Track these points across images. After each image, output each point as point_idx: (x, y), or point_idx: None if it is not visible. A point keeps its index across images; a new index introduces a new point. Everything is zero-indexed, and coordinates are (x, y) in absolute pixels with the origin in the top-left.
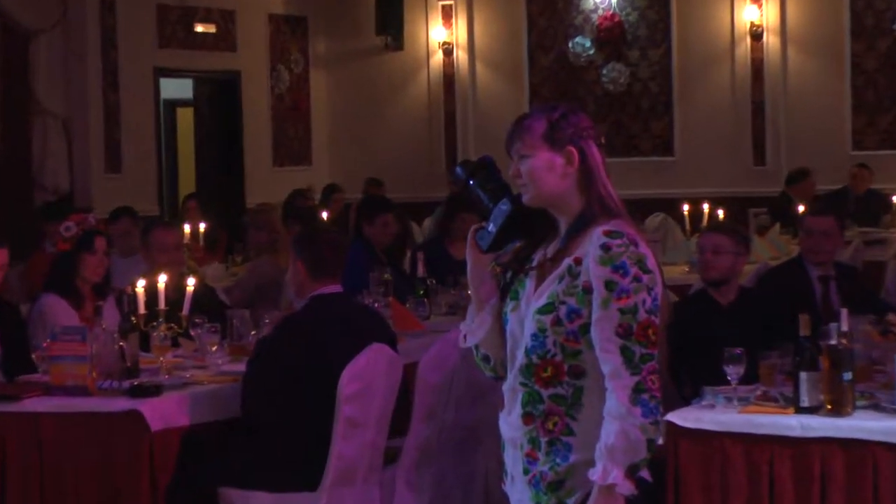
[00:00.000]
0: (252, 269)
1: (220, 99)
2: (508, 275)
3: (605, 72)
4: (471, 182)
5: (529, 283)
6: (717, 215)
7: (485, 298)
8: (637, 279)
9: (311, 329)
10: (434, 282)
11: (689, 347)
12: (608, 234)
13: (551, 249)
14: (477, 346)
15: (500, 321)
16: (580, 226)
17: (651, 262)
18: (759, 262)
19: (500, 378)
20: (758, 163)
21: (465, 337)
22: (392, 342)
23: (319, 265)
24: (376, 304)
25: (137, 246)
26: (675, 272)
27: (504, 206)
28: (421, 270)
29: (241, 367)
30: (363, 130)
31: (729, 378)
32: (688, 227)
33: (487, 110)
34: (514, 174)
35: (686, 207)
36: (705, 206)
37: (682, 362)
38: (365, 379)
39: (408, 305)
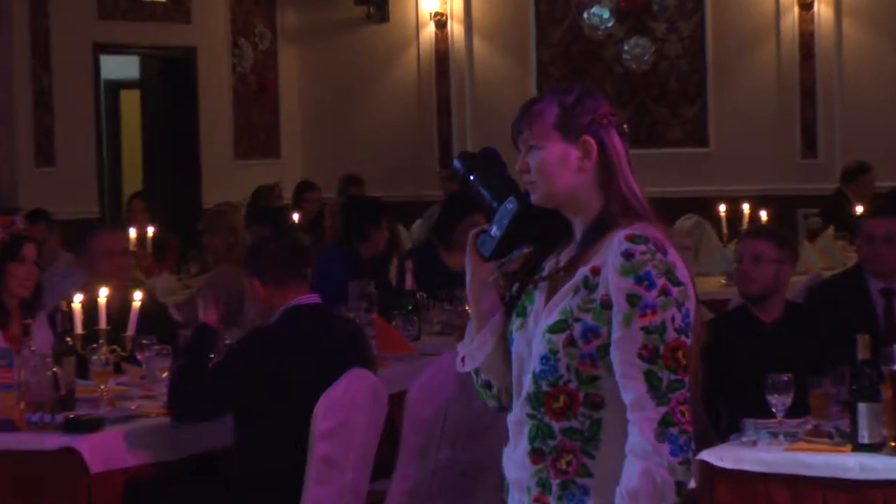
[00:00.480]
0: (209, 281)
1: (171, 80)
2: (515, 287)
3: (626, 48)
4: (471, 178)
5: (539, 296)
6: (760, 217)
7: (486, 314)
8: (665, 292)
9: (279, 348)
10: (425, 296)
11: (727, 373)
12: (631, 238)
13: (564, 257)
14: (477, 371)
15: (504, 341)
16: (598, 229)
17: (682, 273)
18: (810, 273)
19: (505, 409)
20: (808, 155)
21: (463, 360)
22: (373, 366)
23: (274, 273)
24: (357, 322)
25: (55, 256)
26: (710, 285)
27: (510, 206)
28: (409, 282)
29: None
30: (341, 118)
31: (774, 410)
32: (725, 230)
33: (487, 94)
34: (522, 168)
35: (723, 208)
36: (745, 207)
37: (719, 391)
38: (343, 411)
39: (394, 324)
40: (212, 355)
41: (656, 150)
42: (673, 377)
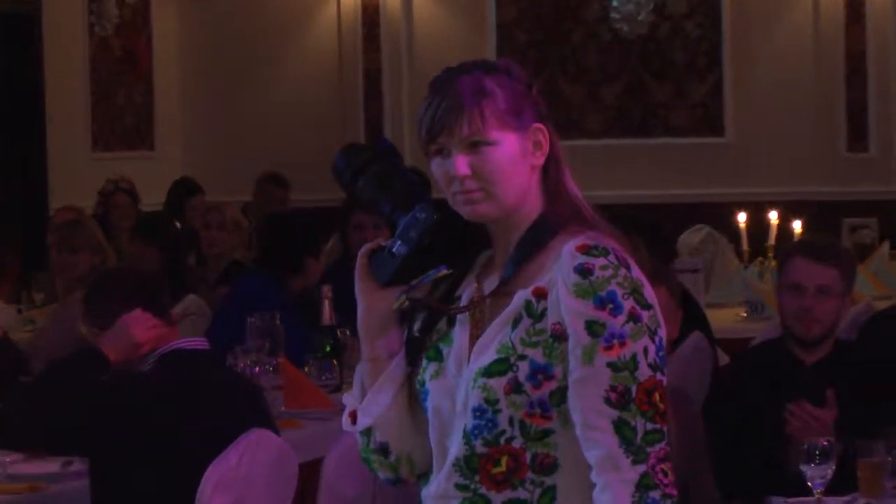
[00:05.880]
0: (58, 314)
1: (8, 47)
2: (418, 323)
3: (615, 3)
4: (359, 182)
5: (459, 332)
6: (792, 229)
7: (384, 355)
8: (634, 317)
9: (155, 400)
10: (348, 332)
11: (749, 432)
12: (585, 250)
13: (489, 279)
14: (369, 431)
15: (406, 392)
16: (536, 241)
17: (650, 294)
18: (860, 303)
19: (402, 481)
20: (855, 147)
21: (351, 416)
22: (273, 427)
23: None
24: (256, 369)
25: None
26: (726, 318)
27: (421, 216)
28: (327, 315)
29: (45, 467)
30: (235, 98)
31: (810, 483)
32: (745, 246)
33: (431, 66)
34: (461, 173)
35: (743, 217)
36: (773, 215)
37: (734, 454)
38: (238, 487)
39: (307, 370)
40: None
41: (655, 140)
42: (650, 426)
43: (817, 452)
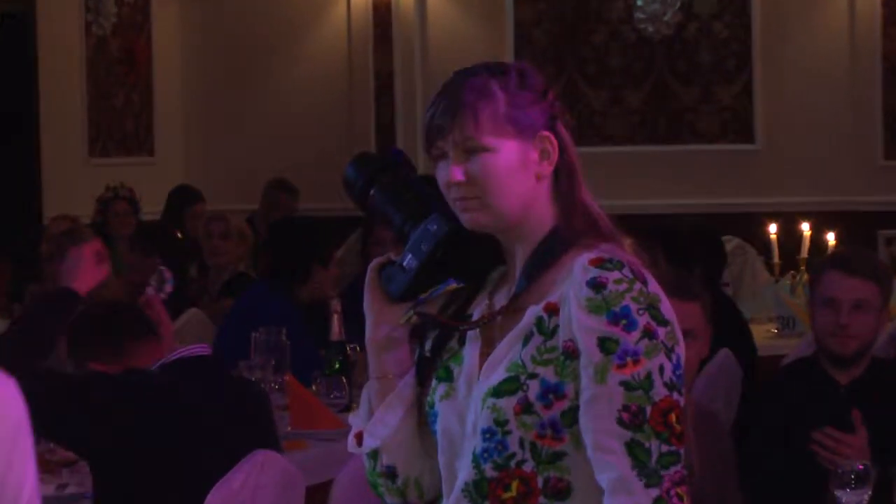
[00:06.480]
0: None
1: (0, 46)
2: (430, 341)
3: (640, 3)
4: (371, 191)
5: (470, 351)
6: (826, 240)
7: (393, 373)
8: (650, 334)
9: (159, 400)
10: (358, 349)
11: (778, 454)
12: (599, 263)
13: (500, 295)
14: (376, 454)
15: (415, 413)
16: (548, 254)
17: (667, 309)
18: None
19: None
20: (892, 155)
21: (357, 437)
22: (277, 446)
23: (111, 349)
24: (263, 386)
25: None
26: (755, 334)
27: (433, 227)
28: (336, 331)
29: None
30: (239, 101)
31: None
32: (776, 259)
33: (445, 68)
34: (456, 179)
35: (774, 228)
36: (805, 226)
37: (765, 479)
38: None
39: (314, 388)
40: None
41: (681, 146)
42: (665, 448)
43: (853, 477)
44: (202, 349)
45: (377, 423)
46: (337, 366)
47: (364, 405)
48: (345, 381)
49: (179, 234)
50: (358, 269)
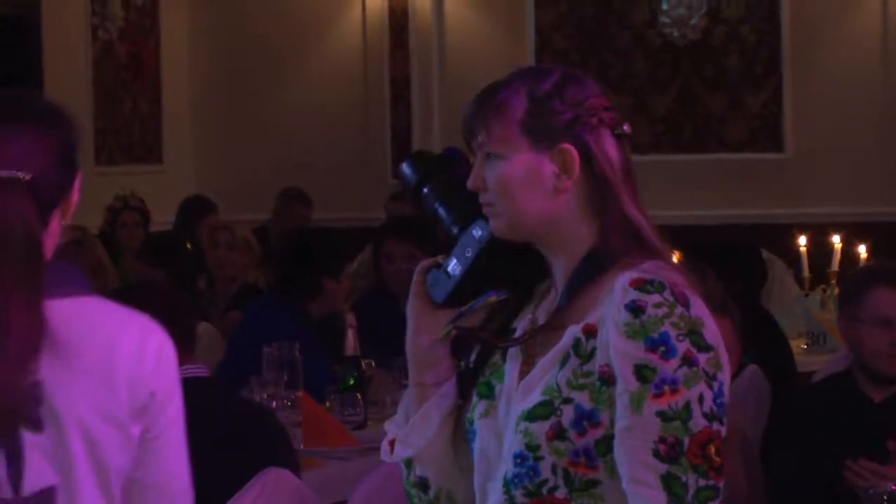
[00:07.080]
0: None
1: (5, 50)
2: (473, 355)
3: (665, 7)
4: (425, 190)
5: (510, 368)
6: (858, 253)
7: (431, 381)
8: (689, 361)
9: None
10: (374, 364)
11: (810, 475)
12: (639, 285)
13: (543, 311)
14: (410, 463)
15: (451, 425)
16: (590, 272)
17: (711, 333)
18: None
19: None
20: None
21: (391, 445)
22: (296, 467)
23: None
24: (273, 404)
25: None
26: None
27: (478, 233)
28: (351, 345)
29: None
30: (253, 107)
31: None
32: (806, 272)
33: (464, 73)
34: (476, 185)
35: (804, 240)
36: (836, 239)
37: (795, 499)
38: None
39: (328, 405)
40: None
41: (708, 156)
42: (703, 482)
43: (885, 498)
44: (199, 370)
45: (411, 433)
46: (351, 382)
47: (402, 412)
48: (359, 397)
49: (190, 246)
50: (371, 283)
